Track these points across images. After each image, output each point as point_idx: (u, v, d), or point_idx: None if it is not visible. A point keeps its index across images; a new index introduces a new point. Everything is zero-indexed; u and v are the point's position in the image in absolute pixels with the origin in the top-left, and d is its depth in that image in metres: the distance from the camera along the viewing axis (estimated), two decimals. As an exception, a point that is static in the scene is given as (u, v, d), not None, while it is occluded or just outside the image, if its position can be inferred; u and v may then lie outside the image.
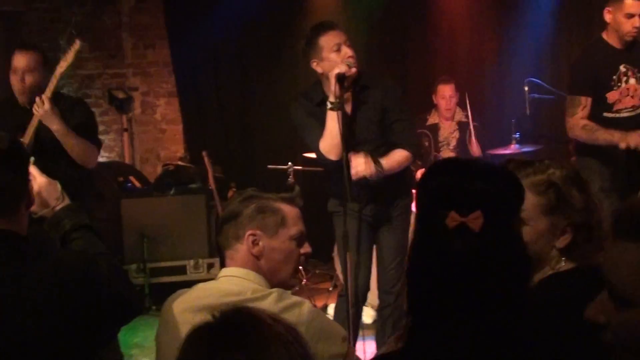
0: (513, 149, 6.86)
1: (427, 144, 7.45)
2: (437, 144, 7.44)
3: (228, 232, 2.78)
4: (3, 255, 2.26)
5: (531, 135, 7.23)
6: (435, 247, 1.83)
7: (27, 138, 5.02)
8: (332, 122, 4.49)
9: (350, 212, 4.64)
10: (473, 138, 7.24)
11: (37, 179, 2.67)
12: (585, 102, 5.40)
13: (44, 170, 4.43)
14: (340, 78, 4.45)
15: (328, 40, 4.60)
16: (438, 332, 1.81)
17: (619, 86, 5.39)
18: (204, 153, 7.39)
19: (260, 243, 2.75)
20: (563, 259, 2.35)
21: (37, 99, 4.96)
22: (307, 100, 4.76)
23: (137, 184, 7.84)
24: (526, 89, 6.87)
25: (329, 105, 4.49)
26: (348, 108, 4.69)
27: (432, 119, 7.52)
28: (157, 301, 6.62)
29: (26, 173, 2.44)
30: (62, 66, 5.12)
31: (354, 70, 4.53)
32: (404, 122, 4.78)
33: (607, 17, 5.41)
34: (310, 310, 2.63)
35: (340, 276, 6.43)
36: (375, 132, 4.69)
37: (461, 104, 7.46)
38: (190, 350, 1.57)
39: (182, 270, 7.01)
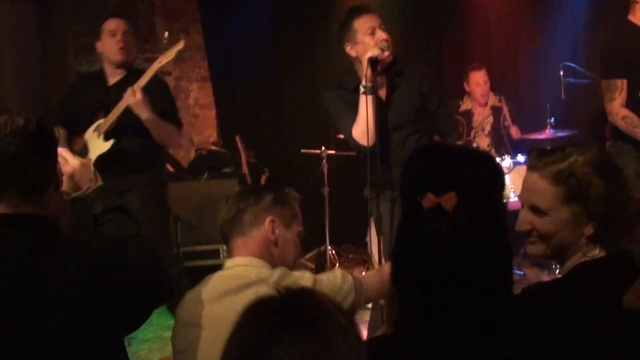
0: (548, 133, 6.81)
1: (461, 129, 7.44)
2: (470, 130, 7.42)
3: (245, 218, 2.84)
4: (31, 239, 2.24)
5: (566, 120, 7.18)
6: (413, 229, 1.89)
7: (110, 119, 5.18)
8: (363, 108, 4.42)
9: (383, 197, 4.62)
10: (509, 122, 7.22)
11: (70, 161, 2.66)
12: (622, 84, 5.33)
13: (122, 151, 5.01)
14: (373, 62, 4.37)
15: (362, 23, 4.52)
16: (424, 317, 1.86)
17: None
18: (237, 137, 7.42)
19: (277, 231, 2.87)
20: (595, 246, 2.34)
21: (130, 88, 5.05)
22: (340, 88, 4.67)
23: (171, 169, 7.88)
24: (561, 73, 6.81)
25: (361, 90, 4.42)
26: (382, 93, 4.62)
27: (465, 105, 7.50)
28: (192, 284, 6.65)
29: (54, 155, 2.41)
30: (160, 61, 5.18)
31: (386, 54, 4.45)
32: (447, 107, 4.77)
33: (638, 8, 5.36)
34: (313, 279, 2.75)
35: (374, 260, 6.45)
36: (411, 119, 4.59)
37: (494, 89, 7.43)
38: (248, 323, 1.54)
39: (215, 254, 7.03)
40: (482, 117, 7.45)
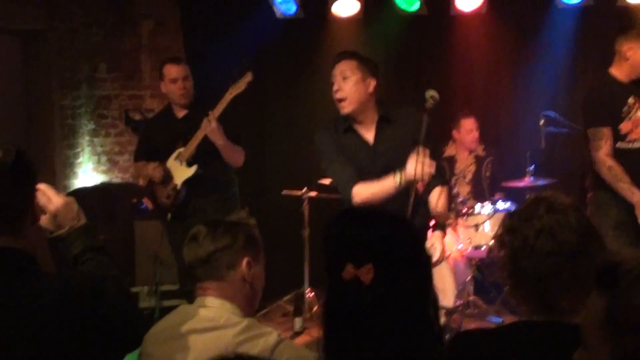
0: (527, 181, 6.87)
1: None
2: (452, 176, 7.45)
3: (221, 261, 2.80)
4: (4, 272, 2.22)
5: (546, 169, 7.23)
6: (336, 299, 1.89)
7: (190, 147, 6.02)
8: (385, 190, 4.45)
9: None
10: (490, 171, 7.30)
11: (53, 199, 2.63)
12: (608, 132, 5.48)
13: (202, 173, 5.82)
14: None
15: (334, 71, 4.63)
16: None
17: (630, 117, 5.49)
18: (218, 177, 7.42)
19: (252, 270, 2.85)
20: None
21: (206, 118, 5.81)
22: (333, 129, 4.70)
23: (151, 206, 7.85)
24: (542, 122, 6.88)
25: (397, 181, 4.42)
26: (370, 137, 4.65)
27: (450, 150, 7.54)
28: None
29: (32, 188, 2.40)
30: (231, 92, 5.91)
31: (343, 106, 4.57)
32: (437, 157, 4.74)
33: (628, 53, 5.49)
34: (277, 340, 2.69)
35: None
36: (401, 164, 4.60)
37: (479, 138, 7.47)
38: None
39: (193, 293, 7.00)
40: (465, 165, 7.48)
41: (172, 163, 6.17)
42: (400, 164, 4.45)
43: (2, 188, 2.25)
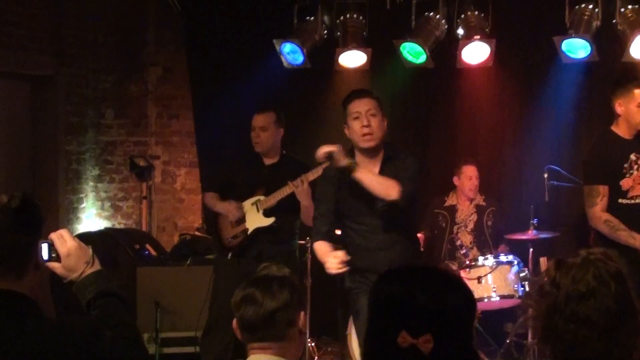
0: (531, 234, 6.87)
1: (443, 224, 7.48)
2: (453, 225, 7.46)
3: (282, 320, 2.80)
4: (3, 315, 2.23)
5: (549, 222, 7.24)
6: None
7: (273, 199, 6.27)
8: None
9: (366, 288, 4.67)
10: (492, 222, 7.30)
11: (68, 242, 2.62)
12: (603, 191, 5.51)
13: (275, 225, 6.11)
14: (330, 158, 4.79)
15: (351, 108, 4.89)
16: None
17: (631, 173, 5.52)
18: (221, 224, 7.41)
19: (305, 320, 2.90)
20: None
21: (299, 179, 6.05)
22: (335, 176, 5.00)
23: (153, 253, 7.86)
24: (546, 175, 6.90)
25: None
26: (376, 170, 4.91)
27: (451, 200, 7.56)
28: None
29: (36, 233, 2.42)
30: (313, 173, 5.98)
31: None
32: (406, 173, 4.88)
33: (619, 109, 5.59)
34: None
35: (354, 355, 6.40)
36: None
37: (480, 189, 7.50)
38: None
39: (194, 341, 6.97)
40: (466, 214, 7.50)
41: (248, 206, 6.38)
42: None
43: (4, 232, 2.28)
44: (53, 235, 2.58)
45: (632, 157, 5.53)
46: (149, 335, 6.97)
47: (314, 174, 5.93)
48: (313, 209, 5.86)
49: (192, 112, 8.74)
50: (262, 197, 6.34)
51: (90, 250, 2.69)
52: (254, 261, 6.00)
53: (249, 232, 6.35)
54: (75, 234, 7.44)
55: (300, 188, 6.03)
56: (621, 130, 5.60)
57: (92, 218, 8.83)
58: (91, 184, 8.87)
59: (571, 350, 2.21)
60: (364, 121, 4.79)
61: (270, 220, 6.30)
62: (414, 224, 5.28)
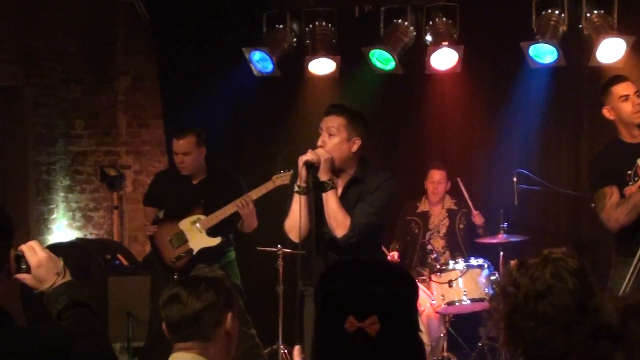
0: (501, 238, 6.92)
1: (416, 231, 7.52)
2: (426, 232, 7.49)
3: (208, 320, 2.83)
4: None
5: (519, 226, 7.29)
6: (335, 350, 1.88)
7: (215, 219, 6.32)
8: (295, 206, 4.68)
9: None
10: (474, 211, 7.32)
11: (38, 253, 2.63)
12: (610, 190, 5.25)
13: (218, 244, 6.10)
14: (309, 166, 4.59)
15: (321, 124, 4.78)
16: None
17: (635, 180, 5.24)
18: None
19: (234, 323, 2.91)
20: None
21: (243, 200, 6.20)
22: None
23: (125, 262, 7.82)
24: (515, 179, 6.96)
25: (295, 189, 4.66)
26: (339, 192, 4.76)
27: (423, 206, 7.60)
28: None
29: (6, 243, 2.44)
30: (274, 181, 6.23)
31: (321, 158, 4.62)
32: (371, 208, 4.75)
33: (608, 114, 5.47)
34: None
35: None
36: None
37: (451, 193, 7.54)
38: None
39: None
40: (439, 220, 7.54)
41: (188, 227, 6.41)
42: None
43: None
44: (23, 247, 2.59)
45: (639, 162, 5.27)
46: (120, 345, 6.94)
47: (257, 193, 6.12)
48: (255, 223, 6.37)
49: (163, 121, 8.72)
50: (202, 217, 6.38)
51: (61, 262, 2.69)
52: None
53: (194, 252, 6.40)
54: (46, 245, 7.45)
55: (246, 209, 6.19)
56: (623, 134, 5.43)
57: (63, 229, 8.79)
58: (62, 194, 8.84)
59: (534, 349, 2.25)
60: (320, 138, 4.72)
61: (217, 241, 6.39)
62: (378, 241, 5.15)
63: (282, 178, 6.18)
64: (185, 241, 6.39)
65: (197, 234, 6.36)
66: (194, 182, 6.49)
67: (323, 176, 4.62)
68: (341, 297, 1.90)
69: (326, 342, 1.92)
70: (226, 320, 2.86)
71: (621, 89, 5.41)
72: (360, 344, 1.83)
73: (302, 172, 4.59)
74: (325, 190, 4.64)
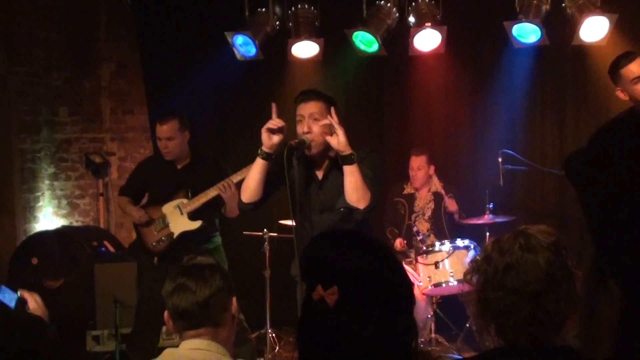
0: (486, 219, 6.92)
1: (402, 212, 7.52)
2: (412, 214, 7.49)
3: (217, 305, 2.83)
4: None
5: (504, 206, 7.30)
6: (304, 317, 1.91)
7: (197, 203, 6.26)
8: (254, 167, 4.71)
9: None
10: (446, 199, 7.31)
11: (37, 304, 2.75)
12: None
13: (201, 227, 6.21)
14: (291, 150, 4.57)
15: (297, 111, 4.73)
16: None
17: None
18: (179, 219, 7.40)
19: (236, 306, 2.92)
20: None
21: (225, 183, 6.09)
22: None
23: (111, 249, 7.82)
24: (500, 160, 6.95)
25: (258, 152, 4.66)
26: (320, 174, 4.75)
27: (409, 188, 7.60)
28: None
29: None
30: (239, 175, 6.07)
31: (305, 145, 4.61)
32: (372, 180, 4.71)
33: (622, 95, 5.44)
34: None
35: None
36: (344, 202, 4.67)
37: (439, 175, 7.53)
38: None
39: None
40: (424, 202, 7.54)
41: (170, 211, 6.38)
42: (339, 198, 4.64)
43: None
44: (26, 294, 2.66)
45: None
46: (108, 331, 6.95)
47: (239, 176, 5.99)
48: (235, 204, 5.94)
49: (147, 107, 8.70)
50: (184, 200, 6.33)
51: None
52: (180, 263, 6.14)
53: (174, 236, 6.36)
54: (32, 233, 7.42)
55: (228, 192, 6.08)
56: None
57: (49, 216, 8.77)
58: (47, 182, 8.81)
59: (500, 317, 2.28)
60: (304, 127, 4.64)
61: (197, 224, 6.31)
62: (368, 221, 5.13)
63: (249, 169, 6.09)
64: (167, 225, 6.37)
65: (178, 218, 6.34)
66: (178, 167, 6.44)
67: (345, 149, 4.49)
68: (307, 266, 1.92)
69: (301, 312, 1.93)
70: (232, 304, 2.89)
71: (631, 71, 5.37)
72: (320, 313, 1.84)
73: (263, 137, 4.61)
74: (352, 163, 4.52)
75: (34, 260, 7.74)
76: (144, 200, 6.68)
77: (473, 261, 2.53)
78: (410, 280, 2.00)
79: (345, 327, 1.82)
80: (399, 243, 7.30)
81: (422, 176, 7.45)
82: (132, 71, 8.88)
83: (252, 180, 4.69)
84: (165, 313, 2.90)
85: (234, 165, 8.20)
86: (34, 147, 8.66)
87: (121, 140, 9.07)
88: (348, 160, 4.51)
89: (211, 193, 6.19)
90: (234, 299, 2.91)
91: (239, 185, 5.79)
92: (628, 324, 1.06)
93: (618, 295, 1.04)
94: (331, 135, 4.56)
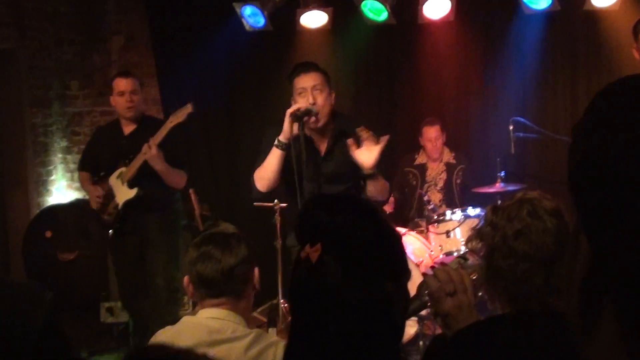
0: (498, 187, 6.89)
1: (414, 182, 7.50)
2: (423, 184, 7.47)
3: (239, 275, 2.82)
4: None
5: (516, 174, 7.26)
6: (294, 275, 1.90)
7: (131, 170, 6.01)
8: (272, 158, 4.64)
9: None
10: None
11: None
12: None
13: (143, 195, 5.93)
14: (296, 117, 4.53)
15: (297, 83, 4.72)
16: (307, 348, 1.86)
17: None
18: (190, 191, 7.41)
19: (256, 276, 2.93)
20: None
21: (146, 144, 5.79)
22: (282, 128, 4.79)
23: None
24: (511, 127, 6.91)
25: (275, 142, 4.61)
26: (323, 147, 4.75)
27: (421, 158, 7.57)
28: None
29: None
30: (171, 121, 5.86)
31: (312, 119, 4.60)
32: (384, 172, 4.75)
33: (636, 55, 5.40)
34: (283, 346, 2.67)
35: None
36: (347, 174, 4.71)
37: (449, 145, 7.51)
38: None
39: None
40: (436, 172, 7.51)
41: (114, 181, 6.22)
42: (348, 172, 4.66)
43: None
44: None
45: None
46: (121, 302, 6.99)
47: (159, 137, 5.81)
48: (170, 172, 5.95)
49: (157, 80, 8.69)
50: (124, 169, 6.14)
51: None
52: (131, 236, 6.17)
53: (119, 207, 6.19)
54: (45, 207, 7.44)
55: (149, 154, 5.82)
56: None
57: (62, 190, 8.80)
58: (60, 155, 8.83)
59: (514, 286, 2.27)
60: (309, 98, 4.63)
61: (134, 192, 6.11)
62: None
63: (177, 116, 5.89)
64: (113, 197, 6.22)
65: (120, 188, 6.17)
66: (125, 133, 6.23)
67: (368, 169, 4.53)
68: (299, 227, 1.92)
69: (293, 268, 1.93)
70: (254, 276, 2.89)
71: None
72: (303, 269, 1.84)
73: (286, 126, 4.55)
74: (373, 179, 4.58)
75: (48, 234, 7.80)
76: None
77: (476, 228, 2.52)
78: (402, 247, 1.98)
79: (326, 283, 1.81)
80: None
81: (440, 146, 7.43)
82: (142, 44, 8.85)
83: (270, 171, 4.66)
84: (185, 278, 2.89)
85: (243, 134, 8.23)
86: (45, 121, 8.67)
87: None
88: (372, 177, 4.58)
89: (141, 158, 5.94)
90: (257, 270, 2.91)
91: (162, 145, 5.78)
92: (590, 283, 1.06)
93: (586, 249, 1.04)
94: (358, 146, 4.54)
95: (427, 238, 6.89)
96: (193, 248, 2.88)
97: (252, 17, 7.55)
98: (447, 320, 2.25)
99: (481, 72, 7.90)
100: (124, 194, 6.15)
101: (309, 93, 4.64)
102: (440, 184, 7.48)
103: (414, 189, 7.51)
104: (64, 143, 8.90)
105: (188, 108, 5.86)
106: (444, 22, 7.47)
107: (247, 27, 7.65)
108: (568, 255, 1.14)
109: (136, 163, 5.99)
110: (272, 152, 4.64)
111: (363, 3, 7.32)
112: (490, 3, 7.72)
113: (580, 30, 7.54)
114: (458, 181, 7.43)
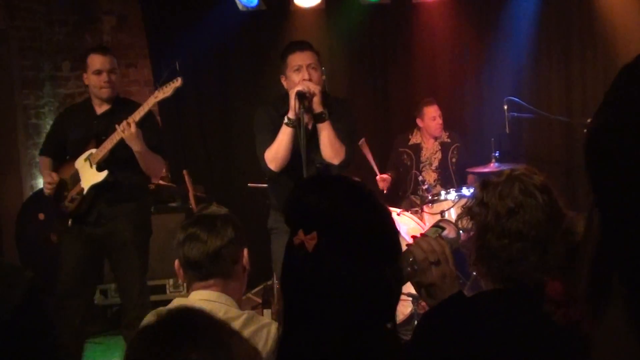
0: (493, 167, 6.88)
1: (408, 163, 7.49)
2: (418, 164, 7.46)
3: (227, 257, 2.82)
4: None
5: (511, 154, 7.26)
6: (287, 262, 1.89)
7: (103, 150, 5.38)
8: (283, 136, 4.66)
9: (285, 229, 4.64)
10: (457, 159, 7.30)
11: None
12: None
13: (113, 181, 5.28)
14: (301, 96, 4.57)
15: (292, 60, 4.76)
16: (299, 342, 1.85)
17: None
18: (184, 172, 7.38)
19: (245, 257, 2.91)
20: None
21: (125, 122, 5.21)
22: (273, 108, 4.88)
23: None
24: (505, 107, 6.90)
25: (285, 120, 4.63)
26: (309, 125, 4.79)
27: (415, 138, 7.56)
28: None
29: None
30: (157, 96, 5.33)
31: (312, 92, 4.61)
32: (342, 133, 4.77)
33: None
34: (278, 329, 2.69)
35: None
36: (320, 158, 4.76)
37: (444, 124, 7.49)
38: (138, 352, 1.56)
39: (161, 289, 6.99)
40: (431, 152, 7.51)
41: (81, 164, 5.53)
42: None
43: None
44: None
45: None
46: (115, 284, 6.97)
47: (140, 113, 5.27)
48: (149, 155, 5.36)
49: (150, 60, 8.64)
50: (94, 151, 5.45)
51: None
52: (94, 227, 5.45)
53: (84, 192, 5.46)
54: (38, 189, 7.33)
55: (127, 132, 5.19)
56: None
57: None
58: (52, 137, 8.78)
59: (508, 266, 2.25)
60: (305, 75, 4.68)
61: (103, 175, 5.41)
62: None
63: (164, 91, 5.31)
64: (78, 180, 5.51)
65: (88, 171, 5.47)
66: (98, 113, 5.56)
67: (317, 107, 4.63)
68: (290, 211, 1.90)
69: (284, 257, 1.91)
70: (243, 256, 2.88)
71: None
72: (300, 258, 1.82)
73: (295, 103, 4.57)
74: (323, 121, 4.66)
75: (41, 216, 7.75)
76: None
77: (465, 207, 2.50)
78: (395, 228, 1.96)
79: (324, 273, 1.80)
80: (380, 178, 7.27)
81: (441, 123, 7.44)
82: (134, 24, 8.80)
83: (283, 149, 4.67)
84: (176, 262, 2.89)
85: (238, 114, 8.18)
86: (37, 102, 8.61)
87: (125, 93, 8.88)
88: (320, 118, 4.65)
89: (116, 136, 5.31)
90: (245, 251, 2.90)
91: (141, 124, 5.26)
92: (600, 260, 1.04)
93: (597, 225, 1.01)
94: (321, 84, 4.67)
95: (421, 218, 6.88)
96: (181, 230, 2.89)
97: (245, -4, 7.51)
98: (432, 291, 2.20)
99: (475, 51, 7.89)
100: (90, 176, 5.46)
101: (304, 70, 4.69)
102: (435, 163, 7.48)
103: (409, 168, 7.51)
104: (56, 125, 8.85)
105: (177, 82, 5.28)
106: (439, 1, 7.46)
107: (240, 7, 7.61)
108: (581, 240, 1.11)
109: (109, 144, 5.37)
110: (282, 131, 4.66)
111: (357, -18, 7.29)
112: (485, -19, 7.70)
113: (574, 11, 7.54)
114: (454, 160, 7.43)
